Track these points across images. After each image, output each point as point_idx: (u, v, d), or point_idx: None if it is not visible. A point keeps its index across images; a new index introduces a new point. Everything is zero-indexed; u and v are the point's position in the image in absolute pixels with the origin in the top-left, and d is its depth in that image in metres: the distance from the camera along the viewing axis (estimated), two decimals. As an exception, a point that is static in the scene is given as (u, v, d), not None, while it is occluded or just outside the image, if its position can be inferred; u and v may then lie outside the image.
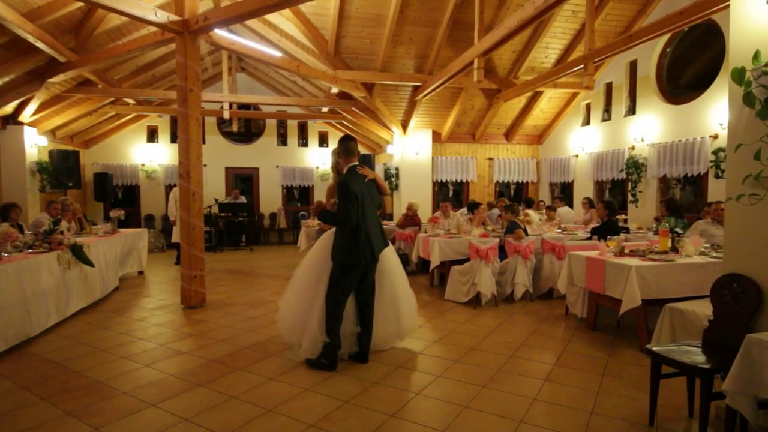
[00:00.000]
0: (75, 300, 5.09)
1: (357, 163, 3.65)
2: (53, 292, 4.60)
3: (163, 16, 5.03)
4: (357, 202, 3.45)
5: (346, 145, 3.66)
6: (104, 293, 5.98)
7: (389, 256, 3.86)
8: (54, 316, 4.62)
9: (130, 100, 10.07)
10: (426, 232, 7.38)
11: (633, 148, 8.42)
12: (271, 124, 13.11)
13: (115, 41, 7.26)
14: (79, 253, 5.00)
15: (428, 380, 3.37)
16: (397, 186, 10.74)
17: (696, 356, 2.55)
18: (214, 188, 12.06)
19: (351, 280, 3.56)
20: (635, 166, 8.19)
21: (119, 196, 12.01)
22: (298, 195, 13.61)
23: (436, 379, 3.40)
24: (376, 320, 3.75)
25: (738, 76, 2.50)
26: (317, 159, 13.18)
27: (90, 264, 5.15)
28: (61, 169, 9.25)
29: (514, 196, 11.45)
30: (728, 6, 2.79)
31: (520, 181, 11.44)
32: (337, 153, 3.73)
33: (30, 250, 4.65)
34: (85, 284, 5.35)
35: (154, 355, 3.92)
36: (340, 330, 3.60)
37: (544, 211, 8.45)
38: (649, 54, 8.03)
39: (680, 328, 3.40)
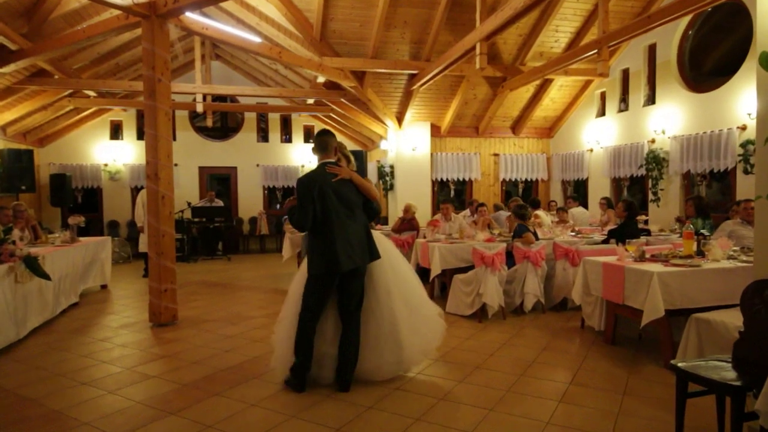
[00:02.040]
0: (29, 319, 5.03)
1: (332, 160, 3.65)
2: (4, 310, 4.54)
3: (127, -2, 5.01)
4: (313, 204, 3.50)
5: (320, 140, 3.70)
6: (61, 310, 5.92)
7: (384, 270, 3.68)
8: (5, 338, 4.56)
9: (91, 93, 10.01)
10: (425, 237, 7.38)
11: (653, 141, 8.49)
12: (251, 117, 13.09)
13: (73, 26, 7.22)
14: (33, 266, 4.95)
15: (429, 404, 3.37)
16: (392, 186, 10.75)
17: (726, 372, 2.56)
18: (186, 190, 12.01)
19: (320, 292, 3.51)
20: (656, 161, 8.26)
21: (79, 201, 11.93)
22: (281, 197, 13.57)
23: (438, 402, 3.39)
24: (366, 344, 3.60)
25: (766, 61, 2.53)
26: (302, 156, 13.17)
27: (46, 277, 5.10)
28: (12, 170, 9.17)
29: (523, 196, 11.49)
30: (755, -16, 2.81)
31: (528, 179, 11.50)
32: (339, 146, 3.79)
33: (-23, 263, 4.59)
34: (40, 301, 5.29)
35: (120, 380, 3.88)
36: (314, 350, 3.56)
37: (554, 212, 8.48)
38: (670, 37, 8.11)
39: (708, 341, 3.42)
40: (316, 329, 3.57)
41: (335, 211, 3.51)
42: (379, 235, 3.83)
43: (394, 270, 3.76)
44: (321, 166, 3.62)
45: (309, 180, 3.57)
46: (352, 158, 3.90)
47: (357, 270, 3.56)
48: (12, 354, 4.52)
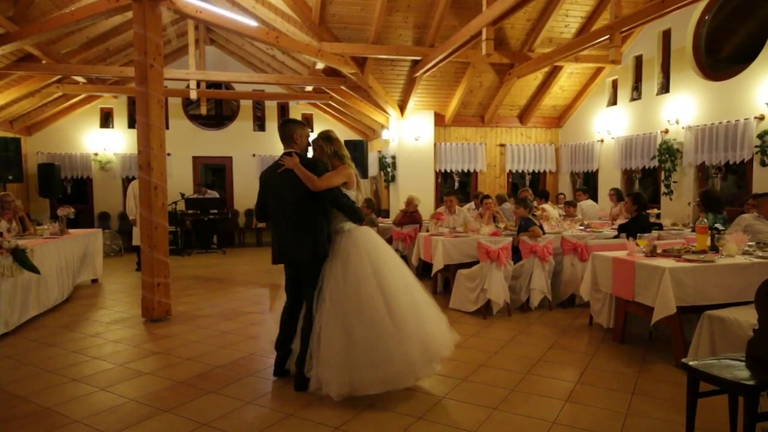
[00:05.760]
0: (17, 314, 5.06)
1: (289, 150, 3.67)
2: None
3: (117, -20, 5.00)
4: (262, 195, 3.81)
5: (279, 131, 3.82)
6: (53, 304, 5.95)
7: (337, 273, 3.48)
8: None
9: (80, 78, 9.99)
10: (428, 231, 7.39)
11: (666, 131, 8.46)
12: (246, 105, 13.05)
13: (61, 9, 7.19)
14: (22, 259, 4.97)
15: (431, 403, 3.39)
16: (393, 177, 10.75)
17: (739, 371, 2.57)
18: (179, 181, 12.01)
19: (285, 280, 3.78)
20: (669, 152, 8.24)
21: (68, 191, 11.94)
22: (278, 188, 13.56)
23: (441, 401, 3.42)
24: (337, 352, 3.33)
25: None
26: (300, 146, 13.13)
27: (35, 271, 5.12)
28: (-1, 159, 9.18)
29: (530, 188, 11.47)
30: (775, -34, 2.79)
31: (536, 171, 11.48)
32: (324, 139, 3.79)
33: (-37, 255, 4.61)
34: (29, 295, 5.32)
35: (112, 376, 3.91)
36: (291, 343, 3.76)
37: (562, 206, 8.48)
38: (685, 22, 8.05)
39: (721, 339, 3.43)
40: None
41: (275, 204, 3.70)
42: (363, 235, 3.66)
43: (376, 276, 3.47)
44: (280, 157, 3.69)
45: (263, 175, 3.82)
46: (327, 148, 3.72)
47: (301, 265, 3.61)
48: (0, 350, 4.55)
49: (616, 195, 8.63)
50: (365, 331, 3.31)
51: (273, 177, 3.66)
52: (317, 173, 3.53)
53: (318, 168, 3.58)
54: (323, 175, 3.54)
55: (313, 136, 3.92)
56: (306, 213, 3.57)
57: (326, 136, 3.82)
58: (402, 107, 10.22)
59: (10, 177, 9.40)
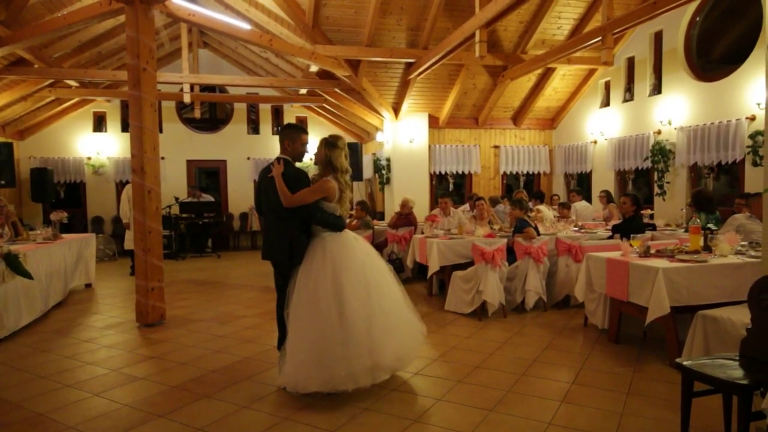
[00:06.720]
0: (9, 320, 5.02)
1: (281, 157, 3.77)
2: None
3: (109, -17, 4.98)
4: (257, 193, 3.99)
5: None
6: (46, 310, 5.91)
7: (309, 278, 3.54)
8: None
9: (73, 82, 9.95)
10: (423, 233, 7.39)
11: (659, 132, 8.51)
12: (240, 108, 13.03)
13: (53, 13, 7.16)
14: (14, 264, 4.93)
15: (427, 405, 3.39)
16: (388, 179, 10.75)
17: (732, 370, 2.59)
18: (173, 185, 11.97)
19: (276, 278, 3.91)
20: (662, 153, 8.28)
21: (61, 196, 11.89)
22: (273, 191, 13.54)
23: (437, 403, 3.41)
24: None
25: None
26: (295, 149, 13.11)
27: (28, 276, 5.08)
28: (-9, 164, 9.13)
29: (525, 190, 11.52)
30: (764, -32, 2.82)
31: (530, 172, 11.52)
32: (324, 144, 3.81)
33: (-45, 261, 4.57)
34: (22, 300, 5.27)
35: (105, 382, 3.89)
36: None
37: (556, 207, 8.51)
38: (677, 24, 8.11)
39: (715, 339, 3.45)
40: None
41: (264, 206, 3.87)
42: (333, 241, 3.65)
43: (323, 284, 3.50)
44: (272, 161, 3.80)
45: (262, 169, 3.96)
46: (324, 153, 3.74)
47: (280, 265, 3.79)
48: (-8, 356, 4.51)
49: (606, 197, 8.66)
50: (315, 333, 3.41)
51: (265, 179, 3.81)
52: (297, 186, 3.60)
53: (301, 181, 3.67)
54: (298, 192, 3.58)
55: (312, 140, 3.97)
56: (286, 218, 3.68)
57: (330, 142, 3.80)
58: (396, 109, 10.23)
59: (3, 182, 9.35)
